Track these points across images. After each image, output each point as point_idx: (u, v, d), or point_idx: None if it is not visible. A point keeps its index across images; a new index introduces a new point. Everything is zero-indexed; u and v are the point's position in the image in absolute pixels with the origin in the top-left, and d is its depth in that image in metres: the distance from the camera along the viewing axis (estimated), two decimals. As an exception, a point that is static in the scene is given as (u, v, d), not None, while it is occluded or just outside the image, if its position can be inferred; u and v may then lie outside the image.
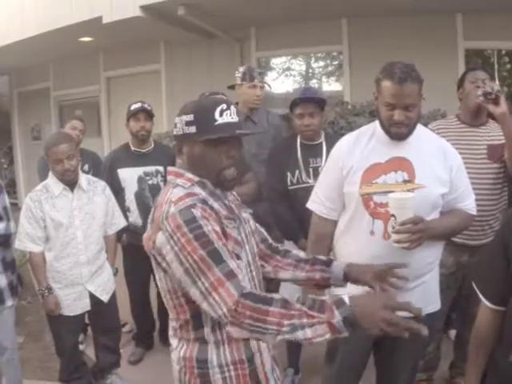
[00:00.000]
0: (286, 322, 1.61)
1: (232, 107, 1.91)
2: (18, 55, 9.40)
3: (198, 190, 1.87)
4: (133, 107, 4.50)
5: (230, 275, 1.69)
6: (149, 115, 4.52)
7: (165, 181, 4.43)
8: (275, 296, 1.70)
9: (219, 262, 1.70)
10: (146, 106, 4.52)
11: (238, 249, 1.87)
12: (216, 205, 1.87)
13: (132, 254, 4.54)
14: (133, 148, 4.55)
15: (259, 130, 4.43)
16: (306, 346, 1.71)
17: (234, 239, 1.86)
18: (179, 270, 1.73)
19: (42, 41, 8.33)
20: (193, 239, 1.70)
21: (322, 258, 2.21)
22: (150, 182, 4.46)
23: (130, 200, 4.45)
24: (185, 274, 1.72)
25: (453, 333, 4.11)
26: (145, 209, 4.41)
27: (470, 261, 3.43)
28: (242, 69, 4.57)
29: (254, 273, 1.98)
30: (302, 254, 2.24)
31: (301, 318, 1.61)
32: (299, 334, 1.61)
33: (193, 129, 1.86)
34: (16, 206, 9.50)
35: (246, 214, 2.09)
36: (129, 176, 4.46)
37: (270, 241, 2.27)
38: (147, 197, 4.44)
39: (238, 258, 1.83)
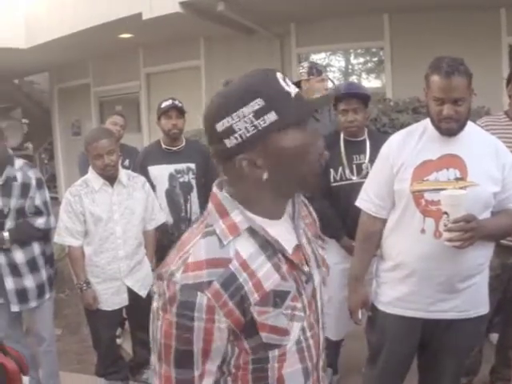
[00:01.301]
0: None
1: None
2: (59, 52, 9.51)
3: (240, 246, 1.33)
4: (163, 105, 4.41)
5: (184, 383, 1.31)
6: (180, 112, 4.41)
7: (196, 179, 4.40)
8: None
9: (181, 366, 1.30)
10: (176, 102, 4.42)
11: (278, 338, 1.35)
12: (259, 274, 1.32)
13: (162, 254, 4.48)
14: (164, 146, 4.49)
15: (322, 127, 4.37)
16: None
17: (270, 328, 1.32)
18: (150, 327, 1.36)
19: (82, 37, 8.41)
20: (174, 325, 1.26)
21: None
22: (181, 180, 4.40)
23: (161, 198, 4.36)
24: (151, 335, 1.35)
25: (494, 336, 4.01)
26: (175, 207, 4.40)
27: None
28: (306, 64, 4.53)
29: (315, 339, 1.48)
30: None
31: None
32: None
33: (272, 116, 1.26)
34: (56, 201, 9.60)
35: (321, 250, 1.60)
36: (159, 173, 4.39)
37: None
38: (178, 194, 4.40)
39: (276, 347, 1.35)
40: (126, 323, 4.51)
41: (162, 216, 4.12)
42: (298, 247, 1.45)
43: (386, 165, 2.62)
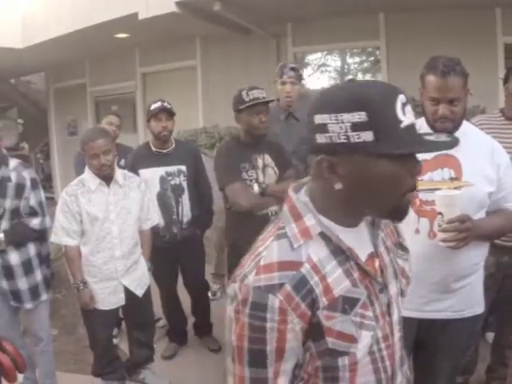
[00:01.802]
0: None
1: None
2: (55, 51, 9.49)
3: (312, 249, 1.31)
4: (153, 107, 4.39)
5: (258, 382, 1.30)
6: (169, 114, 4.40)
7: (187, 181, 4.42)
8: None
9: (256, 365, 1.29)
10: (166, 104, 4.40)
11: (345, 344, 1.31)
12: (329, 279, 1.30)
13: (155, 256, 4.46)
14: (154, 148, 4.48)
15: (302, 127, 4.38)
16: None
17: (337, 333, 1.30)
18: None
19: (78, 37, 8.40)
20: (246, 326, 1.27)
21: None
22: (173, 182, 4.40)
23: (152, 201, 4.32)
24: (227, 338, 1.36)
25: (490, 335, 4.02)
26: (167, 209, 4.41)
27: (511, 262, 3.34)
28: (278, 65, 4.54)
29: (389, 351, 1.43)
30: None
31: None
32: None
33: (368, 135, 1.19)
34: (52, 201, 9.58)
35: (401, 261, 1.56)
36: (150, 176, 4.37)
37: None
38: (169, 197, 4.40)
39: (344, 354, 1.31)
40: (123, 323, 4.52)
41: (157, 216, 4.13)
42: (373, 255, 1.43)
43: None
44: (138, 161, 4.50)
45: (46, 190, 13.20)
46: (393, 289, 1.47)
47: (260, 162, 3.79)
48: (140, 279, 3.90)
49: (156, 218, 4.10)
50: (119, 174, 3.80)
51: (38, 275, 3.65)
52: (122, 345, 4.67)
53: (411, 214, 2.47)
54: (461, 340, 2.64)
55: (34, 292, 3.63)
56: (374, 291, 1.38)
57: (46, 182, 13.49)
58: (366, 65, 8.74)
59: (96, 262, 3.71)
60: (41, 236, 3.68)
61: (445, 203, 2.32)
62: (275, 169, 3.83)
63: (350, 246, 1.32)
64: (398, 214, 1.36)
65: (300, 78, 4.53)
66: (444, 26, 7.09)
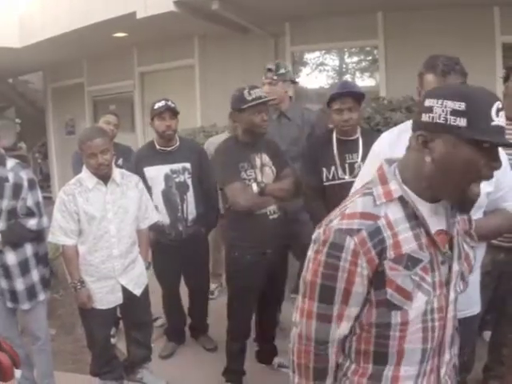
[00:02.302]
0: None
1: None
2: (53, 51, 9.49)
3: (390, 210, 1.57)
4: (157, 106, 4.40)
5: (323, 318, 1.58)
6: (173, 113, 4.41)
7: (192, 178, 4.43)
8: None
9: (324, 301, 1.57)
10: (170, 103, 4.40)
11: (401, 299, 1.54)
12: (400, 237, 1.54)
13: (160, 252, 4.50)
14: (158, 146, 4.49)
15: (293, 126, 4.38)
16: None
17: (396, 286, 1.53)
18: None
19: (76, 36, 8.40)
20: (322, 263, 1.54)
21: None
22: (177, 180, 4.41)
23: (158, 199, 4.38)
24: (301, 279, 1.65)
25: (487, 334, 4.02)
26: (172, 207, 4.42)
27: (507, 260, 3.34)
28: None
29: (441, 322, 1.64)
30: None
31: None
32: None
33: (462, 122, 1.44)
34: (50, 200, 9.59)
35: (467, 247, 1.74)
36: (155, 174, 4.40)
37: None
38: (174, 194, 4.41)
39: (398, 308, 1.54)
40: (121, 323, 4.51)
41: (156, 215, 4.12)
42: (443, 232, 1.62)
43: (377, 162, 2.57)
44: (142, 159, 4.51)
45: (44, 189, 13.21)
46: (455, 267, 1.65)
47: (258, 162, 3.79)
48: (138, 278, 3.90)
49: (154, 217, 4.09)
50: (117, 173, 3.80)
51: (35, 275, 3.64)
52: (120, 344, 4.67)
53: None
54: (460, 340, 2.63)
55: (31, 292, 3.62)
56: (436, 260, 1.59)
57: (44, 181, 13.49)
58: (364, 64, 8.72)
59: (93, 261, 3.70)
60: (38, 236, 3.66)
61: None
62: (273, 168, 3.83)
63: (422, 215, 1.55)
64: (464, 204, 1.59)
65: (282, 77, 4.49)
66: (442, 24, 7.09)
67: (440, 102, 1.48)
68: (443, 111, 1.47)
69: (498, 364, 3.67)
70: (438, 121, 1.48)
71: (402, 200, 1.57)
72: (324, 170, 3.63)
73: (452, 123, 1.45)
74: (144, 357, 4.22)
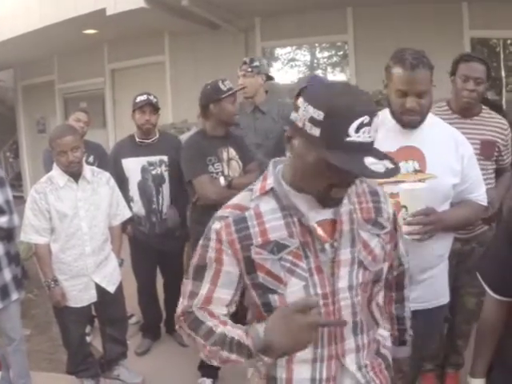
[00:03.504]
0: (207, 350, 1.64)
1: (374, 120, 1.47)
2: (23, 48, 9.38)
3: (263, 202, 1.66)
4: (138, 99, 4.46)
5: (192, 295, 1.71)
6: (154, 108, 4.48)
7: (169, 171, 4.47)
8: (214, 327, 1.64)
9: (195, 278, 1.71)
10: (151, 98, 4.47)
11: (274, 283, 1.62)
12: (267, 225, 1.62)
13: (137, 245, 4.56)
14: (137, 139, 4.55)
15: (268, 120, 4.41)
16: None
17: (266, 271, 1.62)
18: None
19: (46, 33, 8.32)
20: (200, 246, 1.72)
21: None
22: (154, 172, 4.45)
23: (134, 190, 4.45)
24: None
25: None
26: (147, 198, 4.46)
27: (464, 249, 3.35)
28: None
29: (328, 308, 1.64)
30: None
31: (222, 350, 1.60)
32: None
33: (316, 131, 1.45)
34: (22, 199, 9.49)
35: (366, 235, 1.71)
36: (132, 166, 4.46)
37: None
38: (150, 186, 4.45)
39: (273, 292, 1.62)
40: (96, 320, 4.51)
41: (127, 211, 4.12)
42: (327, 221, 1.66)
43: None
44: (120, 151, 4.60)
45: (16, 188, 13.07)
46: (345, 255, 1.66)
47: (225, 155, 3.83)
48: (111, 275, 3.90)
49: (126, 213, 4.10)
50: (87, 170, 3.79)
51: (7, 275, 3.58)
52: (96, 342, 4.66)
53: None
54: (426, 330, 2.67)
55: (3, 292, 3.56)
56: (313, 247, 1.63)
57: (15, 180, 13.34)
58: (334, 59, 8.78)
59: (66, 259, 3.69)
60: (8, 235, 3.63)
61: (409, 197, 2.33)
62: (239, 162, 3.89)
63: (296, 205, 1.62)
64: (325, 203, 1.61)
65: (257, 69, 4.53)
66: (411, 19, 7.16)
67: (305, 105, 1.49)
68: (303, 116, 1.49)
69: (455, 353, 3.72)
70: (297, 123, 1.52)
71: (275, 193, 1.65)
72: None
73: (308, 130, 1.47)
74: (120, 354, 4.22)
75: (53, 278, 3.68)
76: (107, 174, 3.96)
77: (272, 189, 1.66)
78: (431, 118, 2.59)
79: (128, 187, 4.41)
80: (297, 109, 1.54)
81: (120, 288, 4.02)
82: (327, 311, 1.63)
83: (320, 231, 1.64)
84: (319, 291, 1.62)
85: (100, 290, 3.83)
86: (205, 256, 1.67)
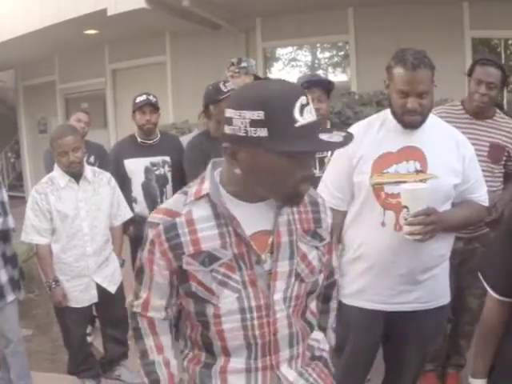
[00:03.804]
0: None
1: (310, 99, 1.43)
2: (24, 49, 9.40)
3: (196, 207, 1.57)
4: (138, 100, 4.46)
5: (136, 295, 1.71)
6: (154, 108, 4.48)
7: (171, 171, 4.47)
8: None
9: (137, 280, 1.69)
10: (151, 98, 4.47)
11: (206, 293, 1.56)
12: (200, 234, 1.55)
13: (139, 245, 4.53)
14: (139, 139, 4.54)
15: None
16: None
17: (198, 282, 1.56)
18: None
19: (47, 34, 8.34)
20: (140, 249, 1.67)
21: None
22: (157, 173, 4.45)
23: (137, 191, 4.44)
24: None
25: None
26: (151, 199, 4.44)
27: (466, 248, 3.35)
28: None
29: (262, 321, 1.59)
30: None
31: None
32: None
33: (263, 132, 1.37)
34: (23, 199, 9.50)
35: (305, 247, 1.66)
36: (135, 167, 4.45)
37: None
38: (154, 187, 4.44)
39: (206, 302, 1.57)
40: (97, 321, 4.51)
41: (128, 212, 4.11)
42: (265, 232, 1.59)
43: (345, 156, 2.56)
44: (122, 151, 4.57)
45: (17, 189, 13.10)
46: (283, 267, 1.60)
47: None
48: (112, 276, 3.89)
49: (127, 214, 4.09)
50: (88, 170, 3.79)
51: (3, 276, 3.52)
52: (96, 342, 4.65)
53: (377, 206, 2.49)
54: (427, 330, 2.67)
55: None
56: (248, 260, 1.57)
57: (16, 181, 13.37)
58: (335, 59, 8.79)
59: (67, 260, 3.69)
60: (4, 236, 3.56)
61: (410, 197, 2.32)
62: None
63: (233, 215, 1.53)
64: (293, 202, 1.54)
65: (244, 70, 4.51)
66: (412, 20, 7.17)
67: (238, 113, 1.40)
68: (242, 123, 1.40)
69: (457, 354, 3.71)
70: (238, 134, 1.41)
71: (208, 199, 1.56)
72: None
73: (253, 135, 1.39)
74: (121, 354, 4.21)
75: (54, 279, 3.67)
76: (108, 175, 3.96)
77: (208, 194, 1.56)
78: (432, 118, 2.58)
79: (130, 188, 4.40)
80: (229, 122, 1.44)
81: (121, 288, 4.01)
82: (261, 323, 1.59)
83: (254, 245, 1.57)
84: (253, 304, 1.57)
85: (101, 290, 3.82)
86: (142, 261, 1.64)
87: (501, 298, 1.89)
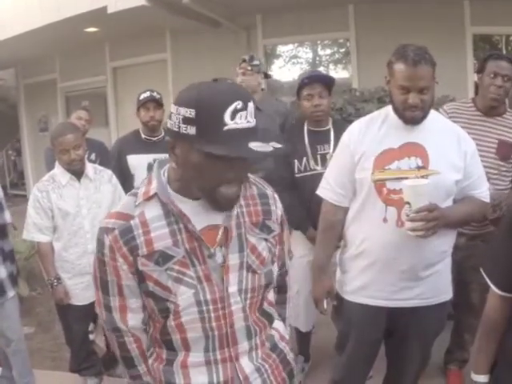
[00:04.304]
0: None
1: (250, 105, 1.46)
2: (24, 47, 9.40)
3: (147, 208, 1.60)
4: (142, 97, 4.45)
5: (107, 308, 1.67)
6: (158, 104, 4.47)
7: None
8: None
9: (104, 292, 1.65)
10: (154, 94, 4.46)
11: (163, 292, 1.59)
12: (153, 234, 1.58)
13: None
14: (143, 136, 4.53)
15: (264, 117, 4.41)
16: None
17: (154, 281, 1.58)
18: None
19: (48, 32, 8.33)
20: (96, 259, 1.64)
21: None
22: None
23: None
24: None
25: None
26: None
27: (468, 244, 3.34)
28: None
29: (218, 313, 1.63)
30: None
31: None
32: None
33: (192, 130, 1.43)
34: (24, 198, 9.50)
35: (254, 239, 1.70)
36: (138, 163, 4.43)
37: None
38: None
39: (165, 300, 1.60)
40: (98, 319, 4.51)
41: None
42: (215, 226, 1.63)
43: (347, 153, 2.59)
44: (125, 147, 4.56)
45: (18, 187, 13.11)
46: (233, 260, 1.65)
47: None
48: (114, 273, 3.89)
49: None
50: (89, 168, 3.78)
51: (3, 272, 3.50)
52: (99, 340, 4.66)
53: (379, 203, 2.49)
54: (429, 326, 2.66)
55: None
56: (200, 255, 1.61)
57: (18, 179, 13.37)
58: (336, 56, 8.79)
59: (69, 258, 3.69)
60: (1, 231, 3.55)
61: (412, 193, 2.32)
62: None
63: (182, 212, 1.57)
64: (214, 204, 1.56)
65: (256, 68, 4.52)
66: (413, 16, 7.16)
67: (175, 109, 1.47)
68: (177, 119, 1.46)
69: (460, 349, 3.70)
70: (173, 128, 1.48)
71: (157, 198, 1.59)
72: (296, 161, 3.62)
73: (183, 131, 1.45)
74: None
75: (55, 276, 3.67)
76: (109, 172, 3.95)
77: (156, 194, 1.60)
78: (433, 114, 2.59)
79: (132, 184, 4.39)
80: (170, 116, 1.50)
81: (123, 286, 4.01)
82: (217, 316, 1.63)
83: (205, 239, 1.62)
84: (208, 297, 1.61)
85: (103, 287, 3.82)
86: (104, 270, 1.61)
87: (503, 293, 1.89)
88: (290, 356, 1.88)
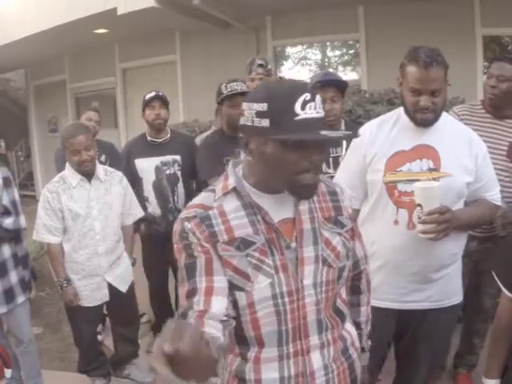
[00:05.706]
0: None
1: (317, 97, 1.54)
2: (34, 48, 9.43)
3: (226, 201, 1.67)
4: (147, 96, 4.48)
5: (191, 293, 1.59)
6: (163, 102, 4.48)
7: (181, 170, 4.47)
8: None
9: (190, 277, 1.62)
10: (160, 93, 4.50)
11: (241, 279, 1.62)
12: (232, 223, 1.64)
13: (150, 244, 4.56)
14: (149, 138, 4.53)
15: None
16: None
17: (233, 268, 1.62)
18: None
19: (57, 33, 8.36)
20: (178, 248, 1.67)
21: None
22: (168, 172, 4.44)
23: (148, 190, 4.44)
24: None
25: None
26: (163, 198, 4.45)
27: (479, 248, 3.34)
28: (247, 62, 4.57)
29: (293, 306, 1.66)
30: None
31: None
32: None
33: (265, 122, 1.52)
34: (34, 199, 9.53)
35: (328, 233, 1.74)
36: (146, 166, 4.45)
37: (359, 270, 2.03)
38: (165, 186, 4.44)
39: (241, 289, 1.62)
40: (107, 320, 4.51)
41: (140, 210, 4.12)
42: (290, 220, 1.69)
43: (359, 154, 2.58)
44: (133, 151, 4.57)
45: (28, 188, 13.14)
46: (308, 253, 1.69)
47: (243, 156, 3.81)
48: (124, 275, 3.89)
49: (139, 213, 4.10)
50: (100, 169, 3.78)
51: (14, 278, 3.50)
52: (107, 341, 4.66)
53: (390, 205, 2.48)
54: (440, 329, 2.65)
55: (8, 295, 3.47)
56: (278, 245, 1.66)
57: (27, 180, 13.41)
58: (346, 57, 8.78)
59: (79, 259, 3.69)
60: (16, 236, 3.55)
61: (424, 195, 2.31)
62: None
63: (257, 203, 1.64)
64: (295, 192, 1.62)
65: (269, 73, 4.52)
66: (423, 18, 7.14)
67: (248, 105, 1.57)
68: (250, 114, 1.56)
69: (469, 353, 3.69)
70: (247, 123, 1.58)
71: (238, 192, 1.66)
72: None
73: (257, 125, 1.54)
74: (131, 353, 4.22)
75: (65, 278, 3.67)
76: (120, 174, 3.95)
77: (234, 188, 1.67)
78: (445, 117, 2.58)
79: (142, 187, 4.41)
80: (242, 113, 1.60)
81: (132, 287, 4.02)
82: (292, 308, 1.66)
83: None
84: (285, 289, 1.64)
85: (112, 289, 3.82)
86: (191, 253, 1.63)
87: None
88: (357, 364, 1.88)
